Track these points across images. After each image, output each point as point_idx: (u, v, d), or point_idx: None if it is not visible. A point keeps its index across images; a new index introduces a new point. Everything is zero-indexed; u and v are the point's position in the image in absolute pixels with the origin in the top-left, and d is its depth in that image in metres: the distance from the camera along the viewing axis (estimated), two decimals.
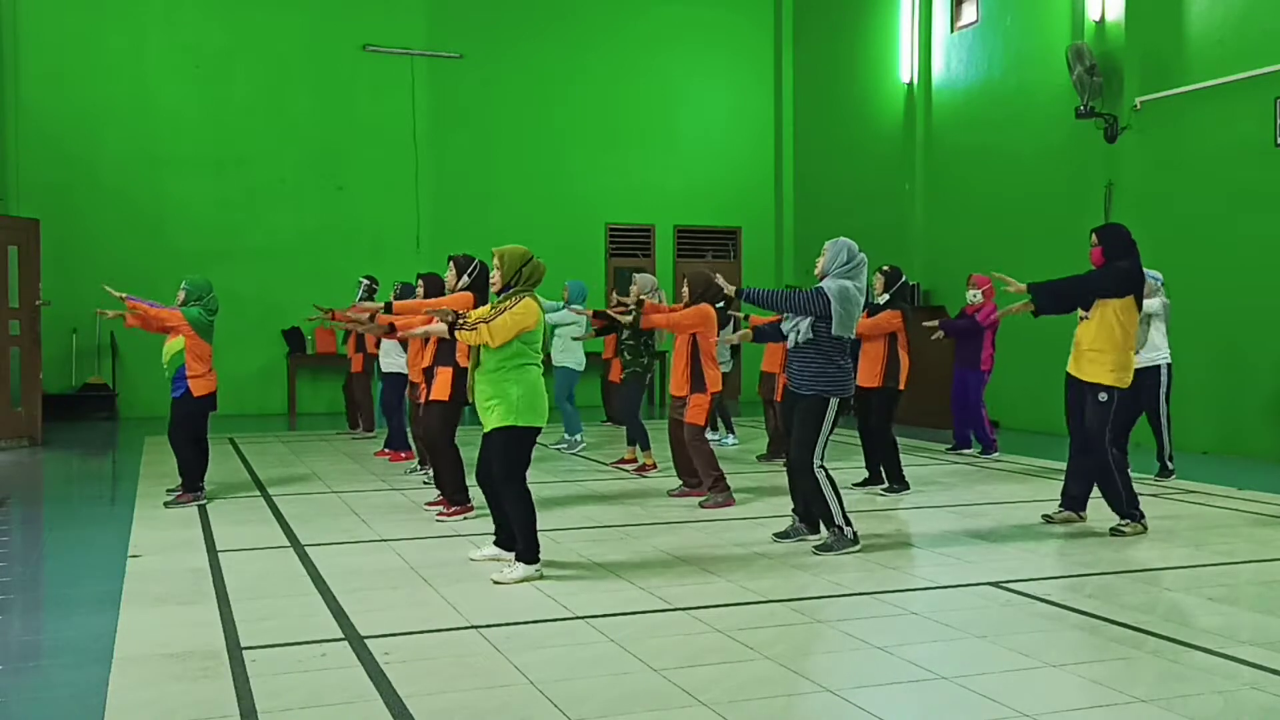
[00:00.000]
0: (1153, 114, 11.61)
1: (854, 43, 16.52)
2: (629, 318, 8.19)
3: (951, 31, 14.61)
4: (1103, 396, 6.77)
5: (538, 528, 5.65)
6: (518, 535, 5.63)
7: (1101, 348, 6.74)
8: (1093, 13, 12.02)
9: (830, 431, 6.33)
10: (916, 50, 15.11)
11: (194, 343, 7.74)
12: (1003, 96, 13.72)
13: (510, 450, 5.58)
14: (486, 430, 5.62)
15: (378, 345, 10.68)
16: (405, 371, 9.63)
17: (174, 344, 7.77)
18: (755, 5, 17.95)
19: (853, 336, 6.37)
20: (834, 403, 6.28)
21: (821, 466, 6.29)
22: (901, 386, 8.45)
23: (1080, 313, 6.91)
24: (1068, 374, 6.99)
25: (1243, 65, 10.71)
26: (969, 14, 14.37)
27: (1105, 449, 6.84)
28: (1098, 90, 11.71)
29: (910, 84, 15.22)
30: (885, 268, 8.88)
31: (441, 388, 7.30)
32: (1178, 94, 11.35)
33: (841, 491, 6.43)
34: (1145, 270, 7.01)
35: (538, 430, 5.64)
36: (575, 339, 10.76)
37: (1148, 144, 11.65)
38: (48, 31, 14.61)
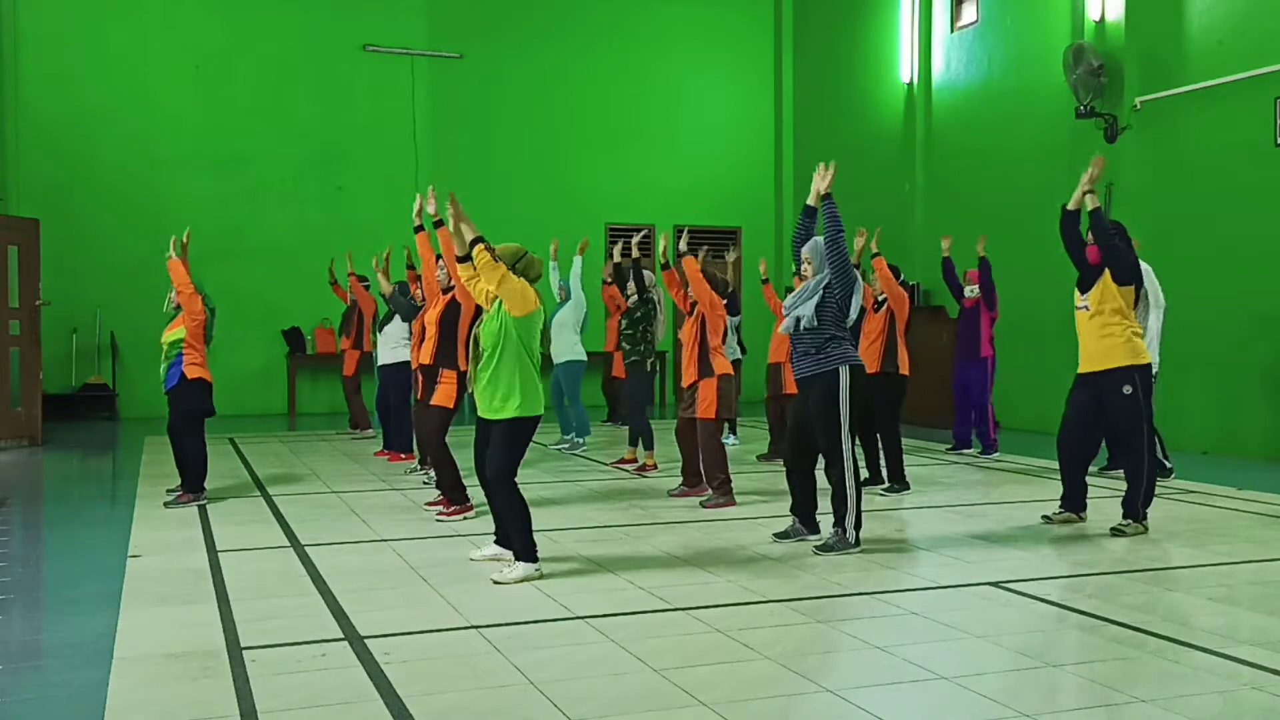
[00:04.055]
0: (1153, 114, 11.61)
1: (854, 43, 16.52)
2: (680, 248, 8.11)
3: (951, 31, 14.61)
4: (1127, 389, 6.72)
5: (534, 527, 5.66)
6: (513, 535, 5.64)
7: (1110, 331, 6.75)
8: (1093, 13, 12.02)
9: (851, 411, 6.27)
10: (916, 50, 15.11)
11: (193, 340, 7.74)
12: (1003, 96, 13.72)
13: (515, 442, 5.61)
14: (492, 419, 5.61)
15: (375, 332, 10.72)
16: (407, 360, 9.55)
17: (175, 332, 7.78)
18: (755, 5, 17.95)
19: (852, 318, 6.38)
20: (845, 373, 6.25)
21: (853, 456, 6.27)
22: (904, 371, 8.43)
23: (1078, 299, 6.92)
24: (1080, 376, 6.95)
25: (1243, 65, 10.71)
26: (969, 14, 14.37)
27: (1144, 445, 6.79)
28: (1102, 91, 11.72)
29: (910, 84, 15.22)
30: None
31: (446, 396, 7.31)
32: (1178, 94, 11.35)
33: (863, 496, 6.43)
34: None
35: (539, 419, 5.69)
36: (575, 331, 10.77)
37: (1148, 144, 11.65)
38: (48, 31, 14.61)
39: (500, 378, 5.58)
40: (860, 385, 6.32)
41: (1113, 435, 6.98)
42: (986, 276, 10.32)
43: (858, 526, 6.29)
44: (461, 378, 7.16)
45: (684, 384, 8.01)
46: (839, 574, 5.77)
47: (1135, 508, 6.86)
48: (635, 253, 9.75)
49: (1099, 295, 6.80)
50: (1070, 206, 6.92)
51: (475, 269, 5.62)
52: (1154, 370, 8.91)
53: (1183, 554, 6.36)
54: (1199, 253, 10.93)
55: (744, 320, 12.27)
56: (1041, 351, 11.91)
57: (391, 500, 8.12)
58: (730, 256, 10.51)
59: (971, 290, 10.45)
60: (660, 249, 8.29)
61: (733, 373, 8.01)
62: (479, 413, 5.72)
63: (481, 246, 5.59)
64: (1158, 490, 8.43)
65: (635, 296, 9.79)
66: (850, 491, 6.27)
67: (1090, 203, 6.79)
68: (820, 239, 6.36)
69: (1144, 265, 8.96)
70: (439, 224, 7.02)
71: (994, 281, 10.37)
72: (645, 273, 10.01)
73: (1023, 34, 13.39)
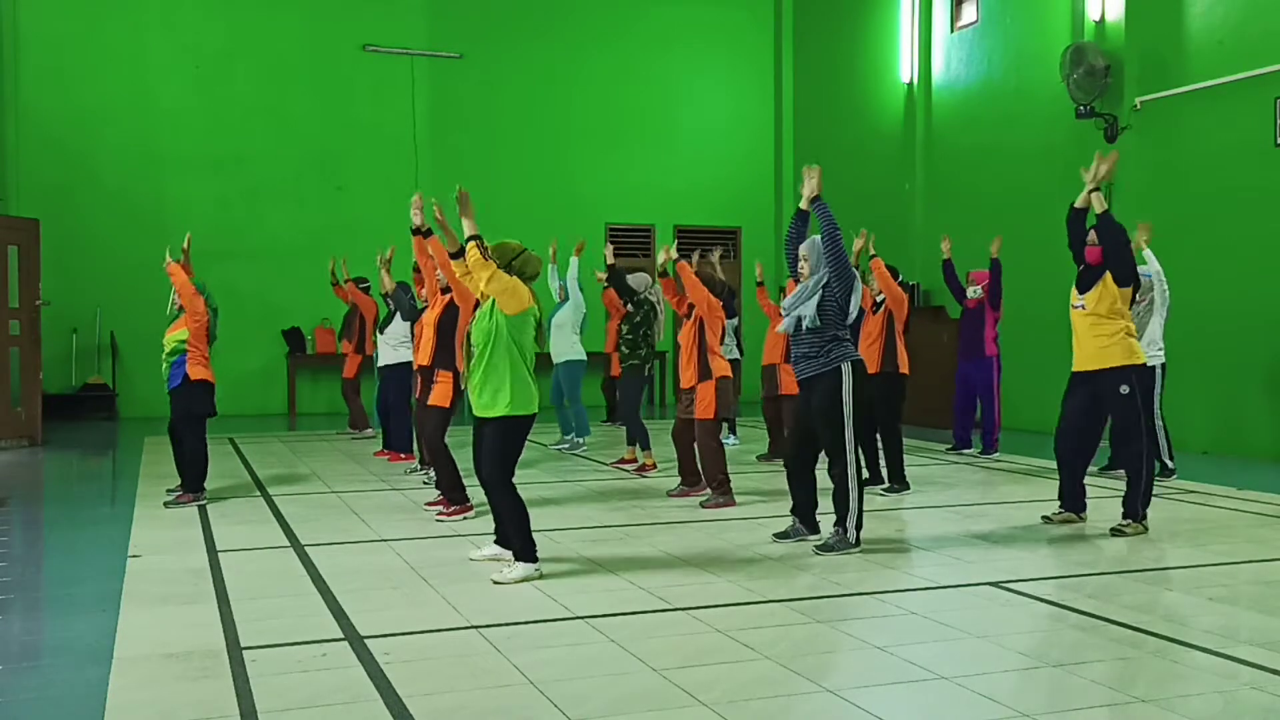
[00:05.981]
0: (1153, 114, 11.61)
1: (854, 43, 16.52)
2: (671, 257, 8.10)
3: (951, 31, 14.61)
4: (1124, 389, 6.76)
5: (533, 527, 5.66)
6: (512, 536, 5.64)
7: (1106, 330, 6.79)
8: (1093, 13, 12.02)
9: (856, 406, 6.28)
10: (916, 50, 15.11)
11: (196, 340, 7.74)
12: (1003, 96, 13.72)
13: (508, 441, 5.60)
14: (483, 416, 5.62)
15: (376, 334, 10.70)
16: (409, 360, 9.55)
17: (178, 333, 7.78)
18: (755, 5, 17.96)
19: (850, 319, 6.38)
20: (847, 369, 6.26)
21: (856, 457, 6.27)
22: (904, 370, 8.43)
23: (1074, 298, 6.94)
24: (1075, 374, 6.97)
25: (1243, 65, 10.71)
26: (969, 14, 14.37)
27: (1142, 439, 6.82)
28: (1104, 91, 11.72)
29: (910, 84, 15.23)
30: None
31: (442, 395, 7.30)
32: (1178, 94, 11.35)
33: (865, 496, 6.43)
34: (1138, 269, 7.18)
35: (532, 419, 5.67)
36: (574, 330, 10.76)
37: (1148, 144, 11.65)
38: (48, 31, 14.62)
39: (491, 375, 5.58)
40: (862, 382, 6.32)
41: (1116, 434, 7.03)
42: (997, 278, 10.31)
43: (859, 526, 6.29)
44: (458, 378, 7.15)
45: (683, 386, 8.02)
46: (839, 574, 5.77)
47: (1135, 507, 6.86)
48: (611, 259, 9.63)
49: (1097, 296, 6.82)
50: (1078, 204, 6.94)
51: (467, 265, 5.63)
52: (1162, 367, 8.99)
53: (1183, 554, 6.36)
54: (1199, 252, 10.93)
55: (743, 321, 12.32)
56: (1042, 351, 11.90)
57: (391, 500, 8.12)
58: (714, 255, 10.46)
59: (974, 290, 10.45)
60: (659, 260, 8.26)
61: (730, 374, 8.01)
62: (474, 411, 5.72)
63: (474, 244, 5.58)
64: (1158, 490, 8.45)
65: (628, 302, 9.77)
66: (853, 490, 6.27)
67: (1098, 204, 6.80)
68: (818, 238, 6.36)
69: (1155, 264, 8.97)
70: (429, 233, 7.04)
71: (1001, 283, 10.37)
72: (637, 276, 9.97)
73: (1023, 34, 13.39)
